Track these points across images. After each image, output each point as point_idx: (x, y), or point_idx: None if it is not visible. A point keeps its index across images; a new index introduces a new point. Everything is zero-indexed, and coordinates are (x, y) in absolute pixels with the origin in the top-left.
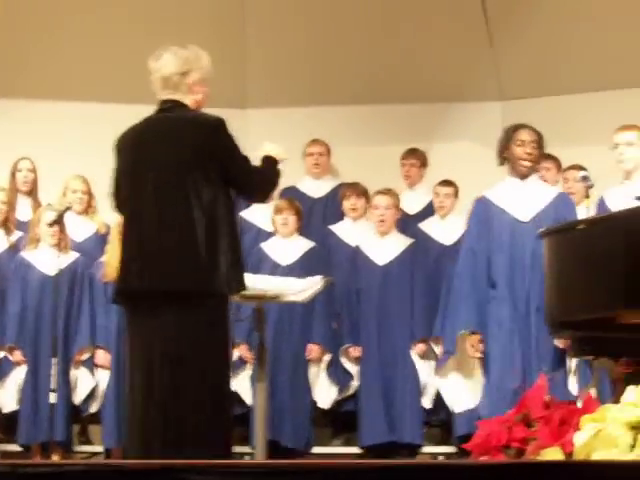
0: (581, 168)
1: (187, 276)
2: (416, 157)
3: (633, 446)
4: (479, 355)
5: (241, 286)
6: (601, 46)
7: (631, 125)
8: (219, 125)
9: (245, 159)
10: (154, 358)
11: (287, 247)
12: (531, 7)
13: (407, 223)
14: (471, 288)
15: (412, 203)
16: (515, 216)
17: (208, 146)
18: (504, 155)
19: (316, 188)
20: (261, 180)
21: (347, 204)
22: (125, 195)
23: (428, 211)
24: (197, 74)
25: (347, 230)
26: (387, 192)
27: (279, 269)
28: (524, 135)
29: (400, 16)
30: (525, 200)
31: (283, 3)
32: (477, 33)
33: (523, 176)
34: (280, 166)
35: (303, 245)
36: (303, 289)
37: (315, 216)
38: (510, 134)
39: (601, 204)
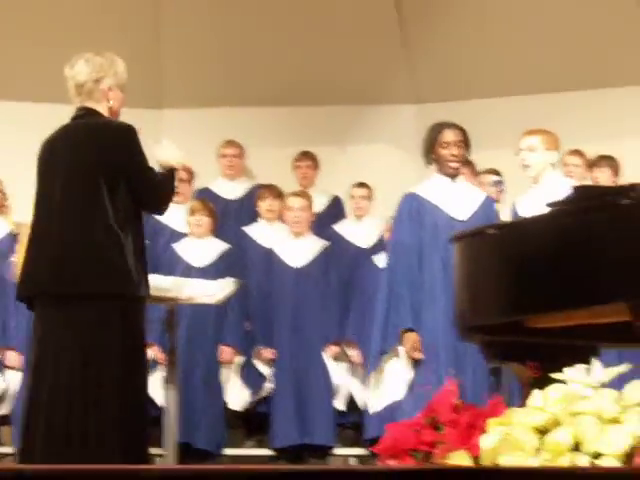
0: (495, 172)
1: (94, 278)
2: (310, 159)
3: (539, 450)
4: (419, 355)
5: (148, 290)
6: (516, 50)
7: (535, 130)
8: (128, 133)
9: (150, 171)
10: (62, 360)
11: (201, 249)
12: (446, 10)
13: (317, 225)
14: (406, 284)
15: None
16: (451, 214)
17: (115, 154)
18: (431, 156)
19: (230, 190)
20: (162, 194)
21: (263, 206)
22: (36, 200)
23: (330, 212)
24: (111, 80)
25: (262, 232)
26: (301, 194)
27: (193, 271)
28: (449, 136)
29: (315, 18)
30: (459, 199)
31: (198, 4)
32: (391, 36)
33: (452, 176)
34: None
35: (217, 247)
36: (215, 291)
37: (229, 218)
38: (435, 135)
39: (513, 210)
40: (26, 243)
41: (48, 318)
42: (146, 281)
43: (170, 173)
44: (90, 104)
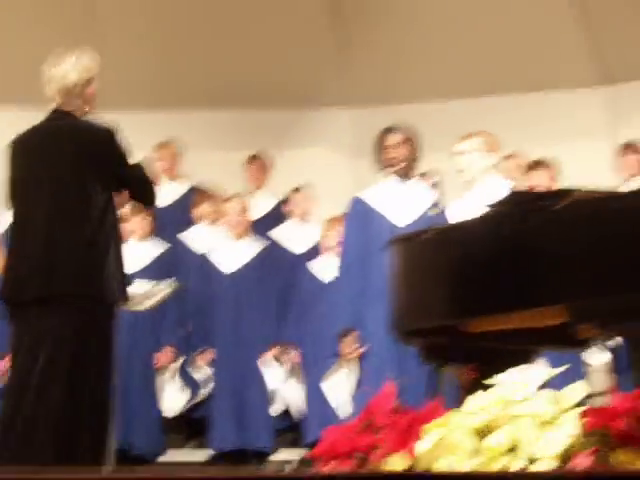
0: (433, 175)
1: (75, 281)
2: (260, 161)
3: (476, 453)
4: (356, 355)
5: (125, 293)
6: (452, 54)
7: (472, 133)
8: (112, 134)
9: (140, 168)
10: (36, 362)
11: (139, 251)
12: (382, 14)
13: (254, 227)
14: (351, 287)
15: (258, 208)
16: (393, 221)
17: (100, 155)
18: (379, 162)
19: (166, 193)
20: (152, 186)
21: (199, 210)
22: (18, 202)
23: (274, 216)
24: (96, 84)
25: (198, 236)
26: (238, 197)
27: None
28: (388, 140)
29: (254, 22)
30: (403, 204)
31: (135, 8)
32: (328, 40)
33: (400, 178)
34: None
35: (155, 249)
36: (151, 294)
37: (165, 221)
38: (379, 140)
39: (444, 214)
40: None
41: (25, 322)
42: (120, 286)
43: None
44: (68, 106)
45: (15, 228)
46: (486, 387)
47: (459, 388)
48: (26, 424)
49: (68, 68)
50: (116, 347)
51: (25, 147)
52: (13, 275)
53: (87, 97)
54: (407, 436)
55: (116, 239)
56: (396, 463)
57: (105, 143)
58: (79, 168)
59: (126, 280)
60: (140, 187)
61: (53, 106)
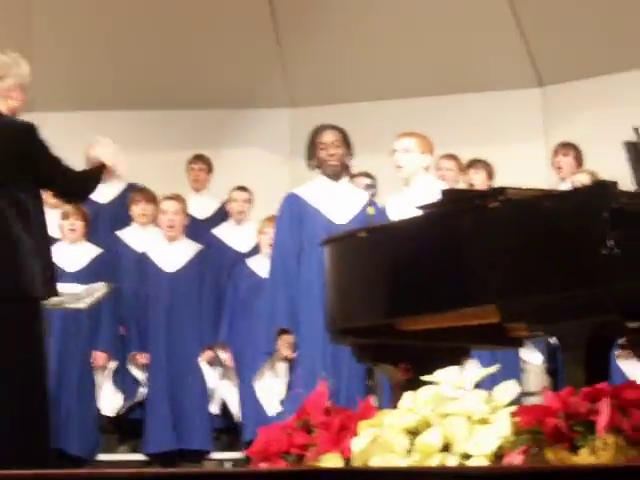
0: (367, 176)
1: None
2: (204, 162)
3: (409, 451)
4: (292, 355)
5: (53, 290)
6: (390, 53)
7: (409, 132)
8: (31, 130)
9: (58, 160)
10: None
11: (74, 253)
12: (320, 13)
13: (197, 228)
14: (284, 285)
15: (201, 208)
16: (330, 218)
17: (21, 150)
18: (313, 159)
19: (101, 193)
20: (78, 181)
21: (136, 210)
22: None
23: (218, 216)
24: (13, 80)
25: (135, 236)
26: (175, 197)
27: (65, 275)
28: (325, 137)
29: (191, 22)
30: (339, 202)
31: (72, 6)
32: (266, 40)
33: (335, 177)
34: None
35: (90, 251)
36: (85, 295)
37: (101, 221)
38: (313, 138)
39: (383, 212)
40: None
41: None
42: (47, 282)
43: (98, 169)
44: None
45: None
46: (419, 386)
47: (392, 387)
48: None
49: None
50: (43, 345)
51: None
52: None
53: (5, 93)
54: (341, 435)
55: (43, 237)
56: (330, 462)
57: (25, 138)
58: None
59: (54, 278)
60: (63, 182)
61: None
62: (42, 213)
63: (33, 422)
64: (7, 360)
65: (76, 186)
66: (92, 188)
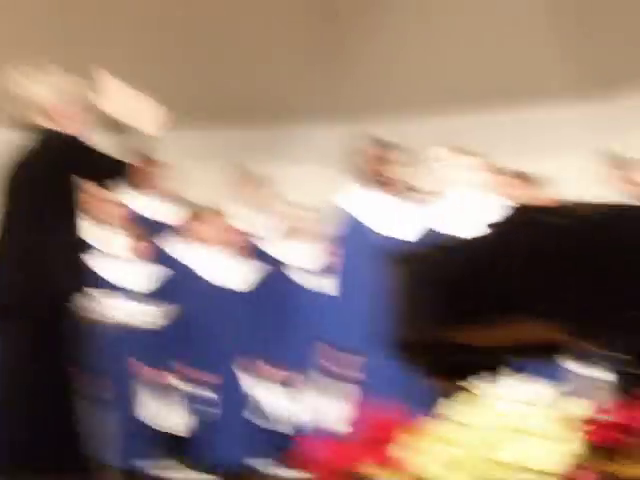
0: (422, 191)
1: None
2: (254, 179)
3: (449, 462)
4: (356, 374)
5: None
6: (441, 70)
7: (458, 148)
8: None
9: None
10: None
11: (137, 271)
12: (371, 34)
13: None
14: (348, 303)
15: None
16: (391, 234)
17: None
18: (367, 175)
19: (162, 212)
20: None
21: (198, 229)
22: None
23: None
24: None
25: (199, 255)
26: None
27: (128, 293)
28: (384, 153)
29: (242, 39)
30: (397, 218)
31: (120, 21)
32: (318, 57)
33: (392, 192)
34: None
35: (154, 270)
36: (148, 313)
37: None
38: (371, 153)
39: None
40: None
41: None
42: (76, 289)
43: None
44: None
45: None
46: (460, 395)
47: (432, 395)
48: None
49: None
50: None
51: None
52: None
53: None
54: (378, 446)
55: (73, 248)
56: (367, 471)
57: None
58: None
59: (85, 285)
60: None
61: None
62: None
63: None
64: (25, 367)
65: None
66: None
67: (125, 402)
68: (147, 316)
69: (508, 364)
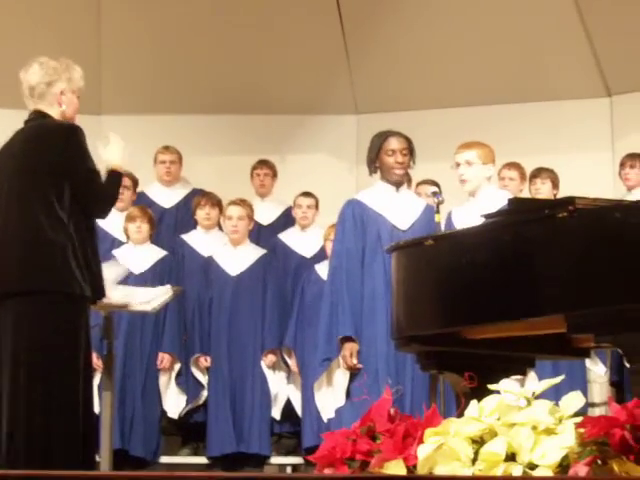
0: (433, 183)
1: (37, 276)
2: (269, 167)
3: (474, 460)
4: (354, 363)
5: (97, 292)
6: (454, 62)
7: (471, 143)
8: (69, 134)
9: (92, 173)
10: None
11: (139, 255)
12: (386, 22)
13: (261, 233)
14: (347, 291)
15: (265, 214)
16: (394, 223)
17: (57, 155)
18: (375, 164)
19: (166, 197)
20: (104, 198)
21: (201, 213)
22: None
23: (282, 221)
24: (64, 85)
25: (199, 240)
26: (241, 203)
27: (131, 277)
28: (394, 144)
29: (256, 28)
30: (401, 208)
31: (139, 12)
32: (334, 46)
33: (397, 184)
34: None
35: (155, 253)
36: (151, 298)
37: (165, 225)
38: (380, 143)
39: (448, 221)
40: None
41: None
42: (92, 284)
43: (116, 177)
44: (42, 107)
45: None
46: (484, 394)
47: (457, 395)
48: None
49: (33, 69)
50: (77, 342)
51: (5, 151)
52: None
53: (55, 98)
54: (405, 443)
55: (82, 239)
56: (394, 469)
57: (62, 141)
58: (39, 166)
59: (98, 278)
60: (87, 193)
61: (31, 108)
62: (81, 219)
63: (57, 418)
64: (34, 354)
65: (99, 207)
66: (111, 199)
67: (139, 389)
68: (156, 299)
69: (511, 360)
